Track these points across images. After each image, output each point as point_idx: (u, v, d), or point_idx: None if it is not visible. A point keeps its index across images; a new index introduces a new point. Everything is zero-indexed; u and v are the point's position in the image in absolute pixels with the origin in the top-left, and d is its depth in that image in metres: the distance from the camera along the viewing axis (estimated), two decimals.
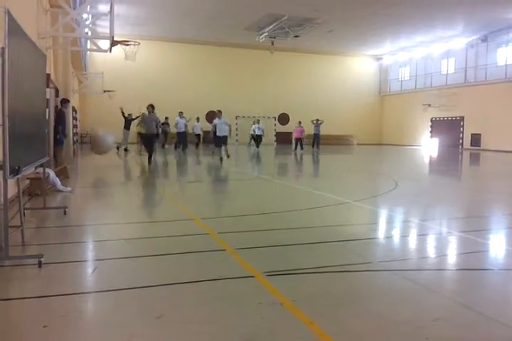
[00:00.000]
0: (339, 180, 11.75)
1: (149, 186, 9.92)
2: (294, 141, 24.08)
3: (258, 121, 24.69)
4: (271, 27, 26.22)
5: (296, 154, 21.61)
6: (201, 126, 23.96)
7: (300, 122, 23.75)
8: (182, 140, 21.18)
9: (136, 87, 29.67)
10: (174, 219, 6.00)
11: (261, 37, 27.96)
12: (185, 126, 21.26)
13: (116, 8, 10.70)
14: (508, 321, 2.87)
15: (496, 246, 4.90)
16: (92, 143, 13.96)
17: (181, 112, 21.56)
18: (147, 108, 14.10)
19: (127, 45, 11.58)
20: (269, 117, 32.62)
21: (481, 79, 28.72)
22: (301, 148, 22.99)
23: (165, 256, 4.22)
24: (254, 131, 24.48)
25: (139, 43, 12.00)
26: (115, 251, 4.44)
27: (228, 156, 16.10)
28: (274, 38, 28.15)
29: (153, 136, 14.03)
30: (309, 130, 24.87)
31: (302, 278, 3.63)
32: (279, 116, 34.32)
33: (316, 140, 24.67)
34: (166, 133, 23.06)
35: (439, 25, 26.32)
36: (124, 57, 12.05)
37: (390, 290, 3.44)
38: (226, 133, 15.68)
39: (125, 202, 7.64)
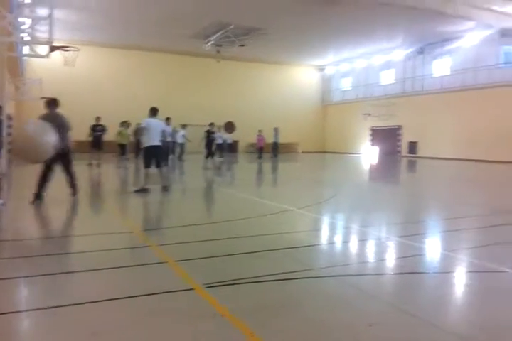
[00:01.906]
0: (284, 188, 11.89)
1: (93, 197, 9.58)
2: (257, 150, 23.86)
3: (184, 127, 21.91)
4: (217, 35, 26.33)
5: (259, 162, 21.58)
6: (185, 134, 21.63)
7: (260, 130, 23.77)
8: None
9: (78, 94, 28.76)
10: (113, 231, 5.79)
11: (207, 45, 28.00)
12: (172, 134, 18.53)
13: (57, 13, 10.36)
14: (442, 324, 2.98)
15: (431, 250, 5.10)
16: (16, 149, 7.80)
17: (169, 118, 17.56)
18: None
19: (66, 50, 11.22)
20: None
21: (418, 89, 30.16)
22: (260, 157, 22.94)
23: (102, 270, 4.06)
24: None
25: (79, 49, 11.68)
26: (48, 266, 4.23)
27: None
28: (221, 46, 28.29)
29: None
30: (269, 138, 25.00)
31: (244, 288, 3.61)
32: (225, 125, 34.34)
33: (274, 148, 24.87)
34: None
35: (380, 37, 27.49)
36: (63, 63, 11.67)
37: (330, 296, 3.49)
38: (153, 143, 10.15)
39: (62, 215, 7.33)
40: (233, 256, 4.53)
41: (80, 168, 17.24)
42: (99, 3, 21.22)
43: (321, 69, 38.40)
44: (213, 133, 17.91)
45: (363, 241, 5.59)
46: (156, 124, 9.61)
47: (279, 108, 36.03)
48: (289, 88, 37.13)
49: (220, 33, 25.95)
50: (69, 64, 11.27)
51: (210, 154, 17.56)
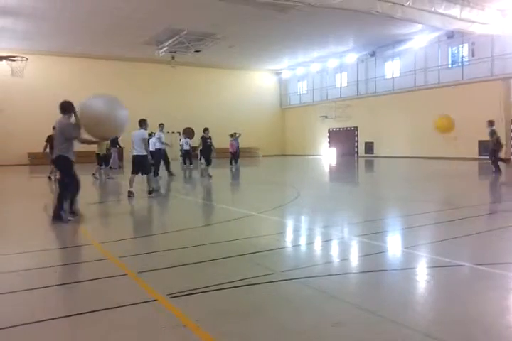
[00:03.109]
0: (245, 192, 11.89)
1: (44, 208, 9.25)
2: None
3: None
4: (170, 42, 26.09)
5: (229, 168, 20.93)
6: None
7: (231, 135, 22.67)
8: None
9: (28, 105, 27.88)
10: (70, 244, 5.63)
11: (161, 51, 27.72)
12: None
13: (2, 22, 9.96)
14: (404, 320, 3.04)
15: (390, 248, 5.21)
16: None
17: (162, 124, 16.57)
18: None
19: (13, 60, 10.84)
20: (173, 132, 32.23)
21: (371, 91, 30.93)
22: (233, 163, 21.88)
23: (61, 286, 3.94)
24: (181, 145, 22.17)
25: (27, 59, 11.30)
26: (4, 284, 4.06)
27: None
28: (175, 52, 28.07)
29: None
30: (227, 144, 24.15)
31: (207, 297, 3.57)
32: (183, 131, 34.09)
33: (235, 154, 23.91)
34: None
35: (333, 41, 28.03)
36: (10, 73, 11.25)
37: (293, 299, 3.51)
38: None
39: (14, 227, 7.04)
40: (196, 265, 4.48)
41: (42, 180, 16.65)
42: (48, 11, 20.64)
43: (278, 73, 38.78)
44: (209, 138, 16.22)
45: (324, 241, 5.66)
46: (137, 135, 10.36)
47: (238, 113, 36.07)
48: (248, 93, 37.29)
49: (173, 39, 25.73)
50: (17, 74, 10.86)
51: (208, 162, 16.15)
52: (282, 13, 21.05)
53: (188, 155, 20.92)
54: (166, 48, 27.21)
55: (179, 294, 3.57)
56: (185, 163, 21.37)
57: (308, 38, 26.87)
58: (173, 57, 28.49)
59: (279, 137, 39.31)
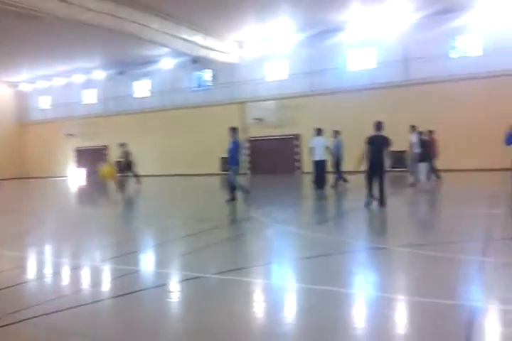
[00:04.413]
0: None
1: None
2: None
3: None
4: None
5: None
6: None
7: None
8: None
9: None
10: None
11: None
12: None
13: None
14: None
15: (133, 270, 4.87)
16: None
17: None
18: None
19: None
20: None
21: (121, 109, 30.48)
22: None
23: None
24: None
25: None
26: None
27: None
28: None
29: None
30: None
31: None
32: None
33: None
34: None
35: (79, 56, 26.65)
36: None
37: None
38: None
39: None
40: None
41: None
42: None
43: (15, 85, 34.67)
44: None
45: (58, 273, 4.92)
46: None
47: None
48: None
49: None
50: None
51: None
52: (25, 21, 18.87)
53: None
54: None
55: None
56: None
57: (52, 51, 24.91)
58: None
59: (18, 157, 34.82)
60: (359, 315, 3.37)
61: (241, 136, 25.60)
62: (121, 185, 16.28)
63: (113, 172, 16.92)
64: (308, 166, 13.70)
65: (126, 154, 17.53)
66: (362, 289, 4.01)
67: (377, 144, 8.74)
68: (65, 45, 23.71)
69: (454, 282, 4.00)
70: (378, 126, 8.90)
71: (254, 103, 25.18)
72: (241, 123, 25.58)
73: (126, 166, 17.33)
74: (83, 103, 32.62)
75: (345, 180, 13.92)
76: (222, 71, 26.51)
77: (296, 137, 24.50)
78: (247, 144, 25.76)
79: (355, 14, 20.54)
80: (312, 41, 23.35)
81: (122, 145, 17.79)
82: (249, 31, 23.41)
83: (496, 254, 4.95)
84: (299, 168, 24.52)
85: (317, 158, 13.04)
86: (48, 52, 25.38)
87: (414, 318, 3.26)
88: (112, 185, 17.21)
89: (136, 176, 18.21)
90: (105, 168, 17.18)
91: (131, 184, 17.78)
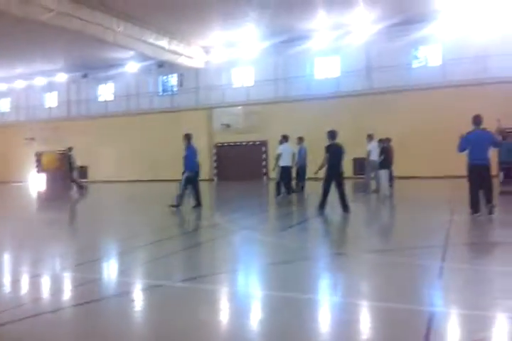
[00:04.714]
0: None
1: None
2: None
3: None
4: None
5: None
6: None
7: None
8: None
9: None
10: None
11: None
12: None
13: None
14: None
15: (92, 280, 4.73)
16: None
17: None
18: None
19: None
20: None
21: (84, 113, 29.87)
22: None
23: None
24: None
25: None
26: None
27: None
28: None
29: None
30: None
31: None
32: None
33: None
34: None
35: (40, 58, 25.97)
36: None
37: None
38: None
39: None
40: None
41: None
42: None
43: None
44: None
45: (16, 281, 4.75)
46: None
47: None
48: None
49: None
50: None
51: None
52: None
53: None
54: None
55: None
56: None
57: (11, 52, 24.15)
58: None
59: None
60: (322, 321, 3.39)
61: (208, 142, 25.70)
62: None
63: (54, 161, 16.85)
64: (274, 172, 13.75)
65: (68, 159, 17.09)
66: (324, 295, 4.05)
67: (336, 153, 8.99)
68: (25, 47, 23.06)
69: (414, 287, 4.09)
70: (333, 134, 9.17)
71: (222, 109, 25.11)
72: (208, 128, 25.50)
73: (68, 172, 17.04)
74: (45, 106, 31.79)
75: (293, 191, 13.75)
76: (189, 76, 26.39)
77: (263, 143, 24.61)
78: (214, 150, 25.72)
79: (320, 23, 20.87)
80: (278, 48, 23.58)
81: (69, 149, 17.62)
82: (215, 37, 23.43)
83: (455, 259, 5.10)
84: (265, 174, 24.61)
85: (284, 164, 13.11)
86: (7, 54, 24.63)
87: (375, 323, 3.30)
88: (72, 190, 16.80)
89: (76, 183, 17.74)
90: (46, 158, 17.00)
91: (73, 192, 17.45)
